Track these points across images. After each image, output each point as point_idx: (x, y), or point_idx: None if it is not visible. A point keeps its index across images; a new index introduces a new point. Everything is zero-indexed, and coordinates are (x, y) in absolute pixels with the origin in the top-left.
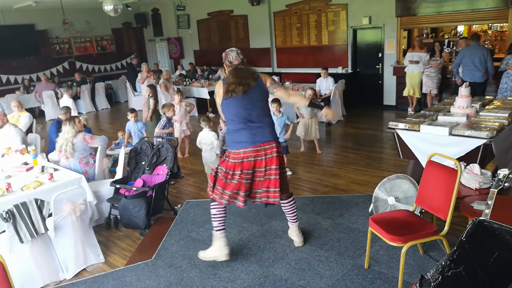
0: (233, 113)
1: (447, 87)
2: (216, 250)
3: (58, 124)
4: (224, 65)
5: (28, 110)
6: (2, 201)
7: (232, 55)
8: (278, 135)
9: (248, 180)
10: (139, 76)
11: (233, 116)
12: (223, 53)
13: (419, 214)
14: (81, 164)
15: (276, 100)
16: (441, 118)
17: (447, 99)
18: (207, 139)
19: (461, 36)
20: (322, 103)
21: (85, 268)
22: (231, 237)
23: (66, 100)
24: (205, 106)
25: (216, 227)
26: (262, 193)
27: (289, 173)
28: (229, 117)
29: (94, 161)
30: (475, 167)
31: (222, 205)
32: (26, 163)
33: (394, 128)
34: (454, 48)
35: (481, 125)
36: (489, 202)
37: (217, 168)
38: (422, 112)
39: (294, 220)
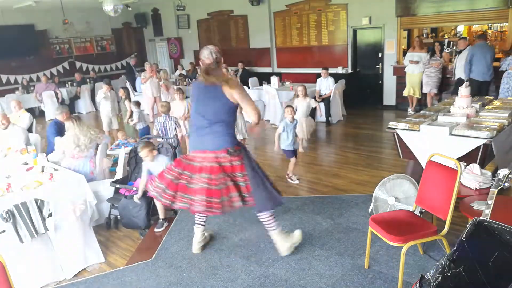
0: (195, 113)
1: (447, 87)
2: (194, 240)
3: (56, 125)
4: (200, 62)
5: (28, 110)
6: (2, 201)
7: (204, 53)
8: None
9: (178, 180)
10: (142, 76)
11: (194, 117)
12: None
13: (419, 214)
14: (91, 163)
15: (290, 105)
16: (441, 118)
17: (447, 99)
18: None
19: (460, 36)
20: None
21: (85, 268)
22: (231, 237)
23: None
24: None
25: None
26: (185, 198)
27: (295, 182)
28: (192, 117)
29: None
30: (475, 167)
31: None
32: (26, 163)
33: (394, 128)
34: (454, 48)
35: (481, 125)
36: (489, 202)
37: None
38: (422, 112)
39: (271, 228)
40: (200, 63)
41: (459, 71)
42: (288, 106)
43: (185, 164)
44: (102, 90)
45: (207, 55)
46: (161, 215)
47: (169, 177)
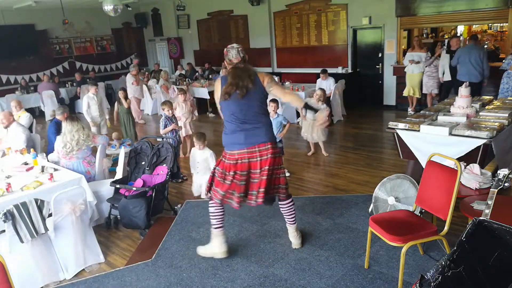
0: (230, 114)
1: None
2: (215, 247)
3: (56, 125)
4: (225, 62)
5: (28, 110)
6: (2, 201)
7: (232, 53)
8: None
9: (242, 182)
10: (130, 79)
11: (230, 117)
12: (225, 49)
13: (419, 214)
14: (84, 164)
15: (274, 101)
16: (441, 118)
17: (447, 99)
18: (201, 157)
19: (451, 36)
20: (323, 105)
21: (84, 268)
22: (231, 237)
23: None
24: (205, 106)
25: (214, 224)
26: (256, 194)
27: (287, 174)
28: (226, 117)
29: (95, 161)
30: (475, 167)
31: (218, 204)
32: (26, 163)
33: (394, 128)
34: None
35: (481, 125)
36: (489, 202)
37: (214, 168)
38: (422, 112)
39: (292, 222)
40: (226, 64)
41: (447, 71)
42: (270, 100)
43: (234, 164)
44: (88, 95)
45: (235, 54)
46: None
47: (227, 182)
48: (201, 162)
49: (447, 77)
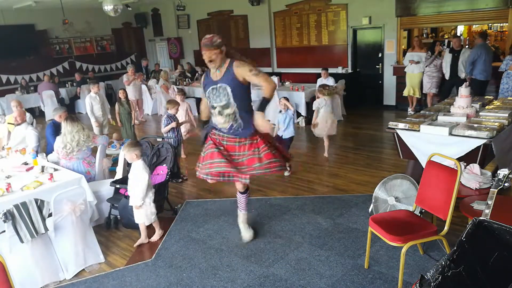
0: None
1: None
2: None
3: (54, 126)
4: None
5: (28, 110)
6: (2, 201)
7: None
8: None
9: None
10: (125, 78)
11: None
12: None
13: (419, 214)
14: (85, 164)
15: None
16: (441, 118)
17: (447, 99)
18: (132, 171)
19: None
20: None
21: (84, 268)
22: (231, 237)
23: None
24: None
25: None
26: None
27: (286, 173)
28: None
29: (95, 162)
30: (475, 167)
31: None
32: (26, 163)
33: (394, 128)
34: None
35: (481, 125)
36: (489, 202)
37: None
38: (422, 112)
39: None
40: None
41: (448, 70)
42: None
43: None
44: (90, 95)
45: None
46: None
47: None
48: (132, 178)
49: (448, 75)
